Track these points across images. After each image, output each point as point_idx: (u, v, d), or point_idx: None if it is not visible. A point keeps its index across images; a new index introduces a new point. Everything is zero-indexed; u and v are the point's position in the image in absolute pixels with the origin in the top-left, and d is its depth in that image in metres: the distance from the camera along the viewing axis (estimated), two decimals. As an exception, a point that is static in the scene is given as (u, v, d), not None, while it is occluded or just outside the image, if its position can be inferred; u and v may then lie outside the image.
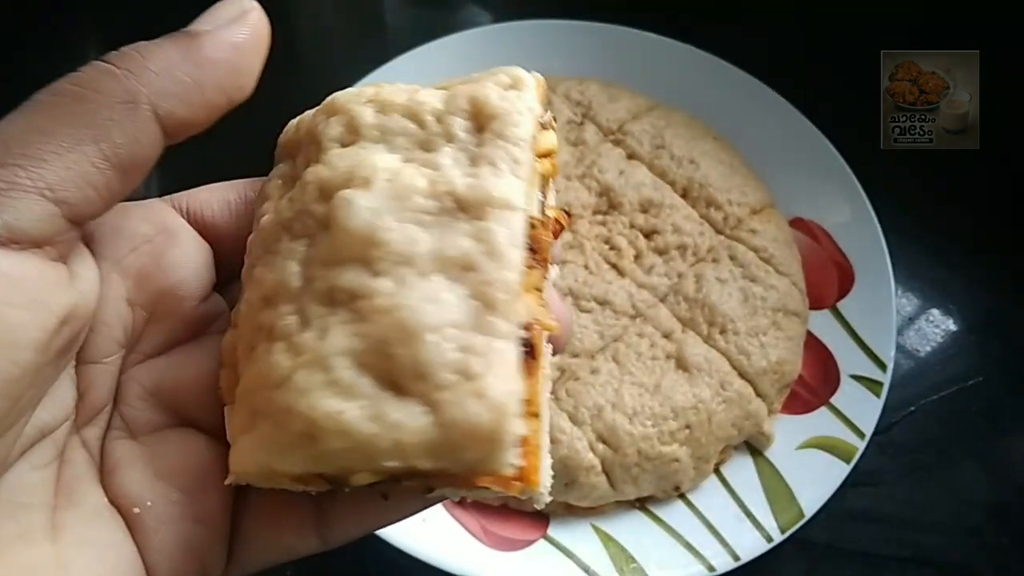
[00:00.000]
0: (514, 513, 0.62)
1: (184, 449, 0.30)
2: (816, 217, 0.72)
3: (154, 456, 0.29)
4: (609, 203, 0.70)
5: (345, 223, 0.26)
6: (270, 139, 0.33)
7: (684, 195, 0.72)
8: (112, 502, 0.28)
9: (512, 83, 0.30)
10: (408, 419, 0.24)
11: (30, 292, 0.24)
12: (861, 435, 0.62)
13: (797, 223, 0.73)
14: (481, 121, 0.29)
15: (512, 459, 0.24)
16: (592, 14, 0.78)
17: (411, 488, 0.27)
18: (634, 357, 0.64)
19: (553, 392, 0.63)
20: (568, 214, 0.30)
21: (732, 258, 0.69)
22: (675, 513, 0.62)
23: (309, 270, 0.27)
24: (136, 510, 0.28)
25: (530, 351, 0.26)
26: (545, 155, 0.30)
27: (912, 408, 0.69)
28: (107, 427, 0.29)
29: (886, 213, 0.69)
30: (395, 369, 0.25)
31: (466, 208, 0.27)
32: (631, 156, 0.73)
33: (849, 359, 0.66)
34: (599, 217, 0.70)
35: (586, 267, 0.68)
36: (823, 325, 0.69)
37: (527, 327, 0.26)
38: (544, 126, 0.30)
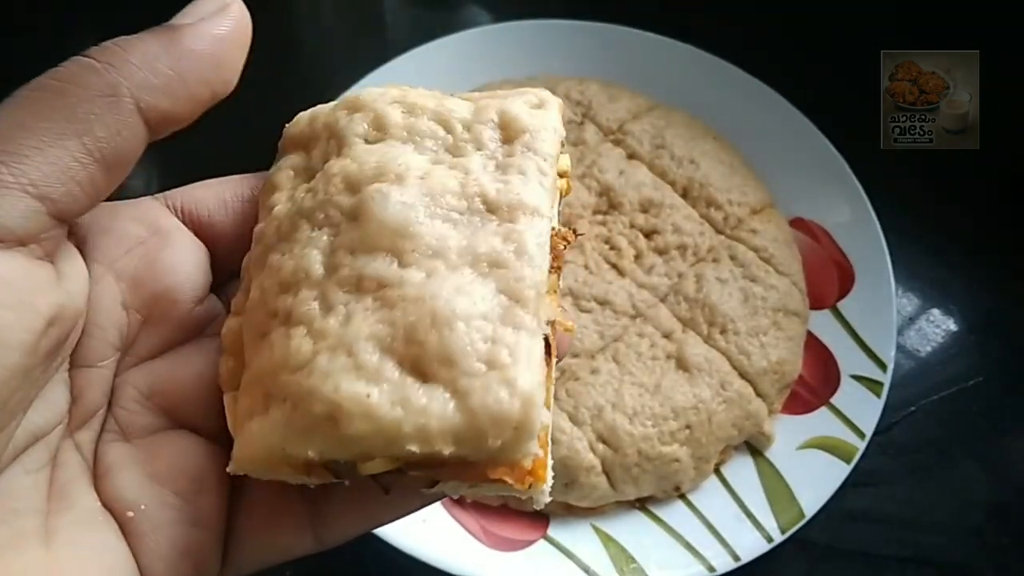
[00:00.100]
0: (514, 513, 0.62)
1: (179, 451, 0.29)
2: (816, 217, 0.72)
3: (148, 459, 0.29)
4: (609, 203, 0.70)
5: (379, 215, 0.27)
6: (272, 138, 0.33)
7: (684, 195, 0.72)
8: (106, 505, 0.28)
9: (539, 103, 0.32)
10: (434, 404, 0.25)
11: (15, 292, 0.24)
12: (861, 435, 0.62)
13: (797, 223, 0.73)
14: (510, 133, 0.30)
15: (534, 449, 0.25)
16: (592, 14, 0.78)
17: (415, 480, 0.27)
18: (634, 357, 0.64)
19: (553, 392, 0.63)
20: (575, 231, 0.32)
21: (732, 258, 0.69)
22: (675, 513, 0.62)
23: (333, 258, 0.27)
24: (130, 513, 0.28)
25: (547, 348, 0.27)
26: (562, 175, 0.31)
27: (912, 408, 0.69)
28: (101, 430, 0.29)
29: (886, 213, 0.69)
30: (422, 355, 0.25)
31: (495, 210, 0.28)
32: (631, 156, 0.73)
33: (849, 359, 0.66)
34: (599, 217, 0.70)
35: (586, 267, 0.68)
36: (823, 325, 0.69)
37: (549, 324, 0.27)
38: (563, 146, 0.32)
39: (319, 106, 0.32)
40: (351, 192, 0.28)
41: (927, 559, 0.64)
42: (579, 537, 0.61)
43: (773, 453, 0.64)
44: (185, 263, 0.30)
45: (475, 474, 0.26)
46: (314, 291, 0.27)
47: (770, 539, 0.59)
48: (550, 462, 0.27)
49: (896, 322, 0.66)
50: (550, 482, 0.27)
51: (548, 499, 0.27)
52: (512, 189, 0.28)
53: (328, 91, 0.32)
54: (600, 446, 0.61)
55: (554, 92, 0.77)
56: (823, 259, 0.71)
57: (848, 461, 0.61)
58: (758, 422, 0.64)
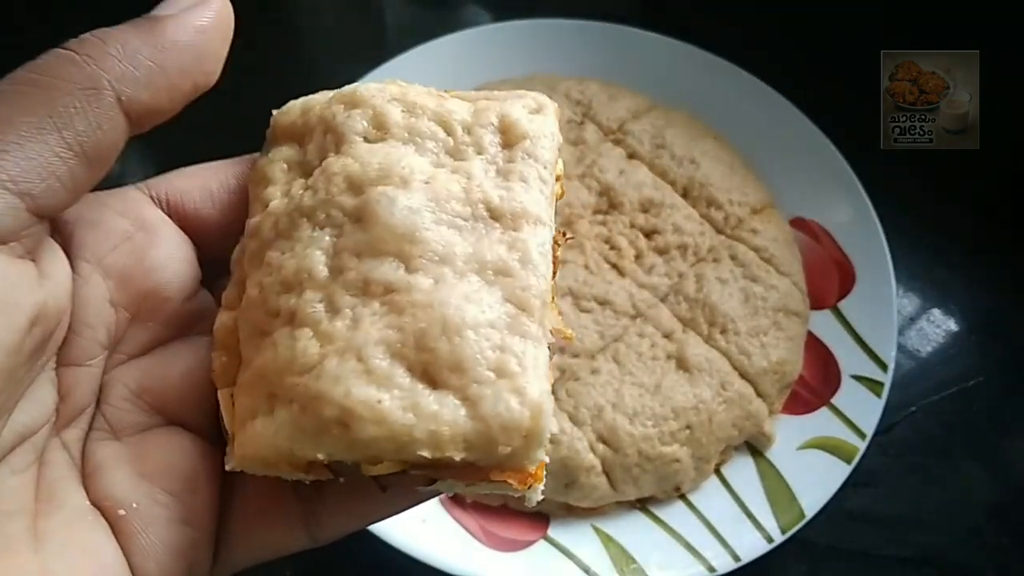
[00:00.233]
0: (514, 514, 0.62)
1: (170, 449, 0.29)
2: (817, 217, 0.72)
3: (139, 457, 0.28)
4: (609, 203, 0.70)
5: (386, 219, 0.27)
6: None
7: (684, 195, 0.71)
8: (96, 504, 0.27)
9: (537, 108, 0.32)
10: (445, 411, 0.25)
11: None
12: (862, 435, 0.62)
13: (798, 223, 0.73)
14: (510, 138, 0.30)
15: (542, 456, 0.26)
16: (592, 14, 0.78)
17: (415, 479, 0.27)
18: (634, 357, 0.64)
19: (552, 392, 0.63)
20: (564, 233, 0.32)
21: (733, 258, 0.69)
22: (675, 513, 0.62)
23: (337, 260, 0.27)
24: (121, 512, 0.27)
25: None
26: (556, 178, 0.32)
27: (913, 408, 0.69)
28: (89, 428, 0.29)
29: (886, 213, 0.69)
30: (432, 362, 0.26)
31: (499, 218, 0.28)
32: (631, 156, 0.73)
33: (850, 359, 0.66)
34: (599, 217, 0.70)
35: (586, 267, 0.68)
36: (824, 325, 0.69)
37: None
38: (559, 152, 0.32)
39: (311, 96, 0.32)
40: (354, 193, 0.28)
41: (927, 559, 0.64)
42: (579, 537, 0.61)
43: (773, 453, 0.64)
44: (173, 259, 0.30)
45: (478, 475, 0.26)
46: (319, 293, 0.27)
47: (770, 539, 0.59)
48: (546, 460, 0.28)
49: (897, 322, 0.66)
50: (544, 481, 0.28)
51: (541, 497, 0.28)
52: (515, 197, 0.29)
53: (328, 90, 0.31)
54: (600, 446, 0.61)
55: (554, 92, 0.78)
56: (824, 259, 0.71)
57: (849, 461, 0.61)
58: (758, 422, 0.64)
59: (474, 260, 0.27)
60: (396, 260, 0.27)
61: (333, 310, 0.27)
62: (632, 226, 0.70)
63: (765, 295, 0.67)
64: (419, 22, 0.87)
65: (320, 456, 0.26)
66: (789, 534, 0.59)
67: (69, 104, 0.25)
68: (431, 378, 0.26)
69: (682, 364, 0.64)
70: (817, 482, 0.61)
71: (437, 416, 0.25)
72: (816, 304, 0.70)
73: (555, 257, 0.30)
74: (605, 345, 0.65)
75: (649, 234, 0.69)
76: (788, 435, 0.65)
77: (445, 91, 0.32)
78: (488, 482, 0.26)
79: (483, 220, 0.28)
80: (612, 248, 0.69)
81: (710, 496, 0.63)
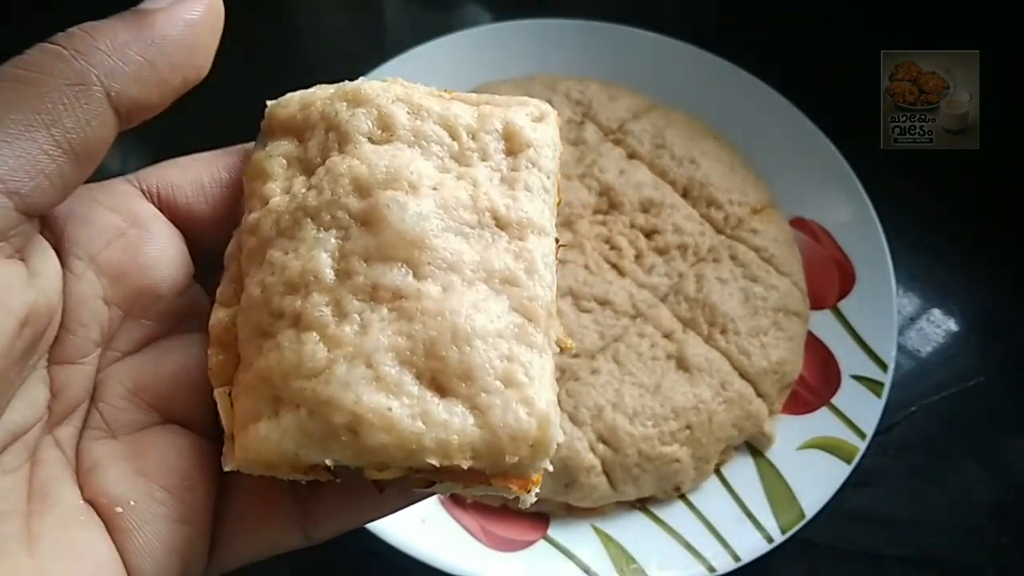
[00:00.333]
0: (514, 514, 0.62)
1: (168, 447, 0.29)
2: (817, 217, 0.72)
3: (137, 454, 0.28)
4: (609, 203, 0.70)
5: (396, 225, 0.27)
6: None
7: (685, 195, 0.71)
8: (92, 501, 0.27)
9: (540, 115, 0.32)
10: (454, 419, 0.25)
11: None
12: (862, 435, 0.62)
13: (798, 223, 0.73)
14: (514, 146, 0.30)
15: (547, 466, 0.26)
16: (592, 14, 0.78)
17: (415, 482, 0.27)
18: (634, 357, 0.64)
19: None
20: (556, 240, 0.32)
21: (733, 258, 0.69)
22: (676, 514, 0.62)
23: (344, 264, 0.27)
24: (119, 509, 0.27)
25: None
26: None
27: (913, 408, 0.69)
28: (83, 425, 0.28)
29: (886, 213, 0.69)
30: (442, 370, 0.26)
31: (505, 227, 0.29)
32: (631, 155, 0.73)
33: (850, 359, 0.66)
34: (599, 217, 0.70)
35: (586, 267, 0.68)
36: (824, 325, 0.69)
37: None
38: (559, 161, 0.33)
39: (310, 90, 0.32)
40: (360, 195, 0.28)
41: (928, 559, 0.64)
42: (579, 537, 0.61)
43: (774, 453, 0.64)
44: (167, 255, 0.29)
45: (479, 480, 0.26)
46: (325, 296, 0.27)
47: (771, 539, 0.59)
48: (550, 469, 0.28)
49: (897, 322, 0.66)
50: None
51: (535, 499, 0.28)
52: (520, 206, 0.29)
53: (326, 84, 0.31)
54: (600, 446, 0.61)
55: (554, 92, 0.78)
56: (824, 259, 0.71)
57: (849, 461, 0.61)
58: (758, 422, 0.64)
59: (482, 268, 0.28)
60: (405, 266, 0.27)
61: (340, 314, 0.27)
62: (632, 226, 0.70)
63: (765, 295, 0.67)
64: (419, 22, 0.87)
65: (328, 462, 0.26)
66: (789, 534, 0.59)
67: (58, 100, 0.24)
68: (440, 386, 0.26)
69: (682, 364, 0.64)
70: (817, 482, 0.61)
71: (446, 425, 0.25)
72: (816, 304, 0.70)
73: (555, 262, 0.30)
74: (605, 345, 0.65)
75: (649, 234, 0.69)
76: (788, 435, 0.65)
77: (445, 91, 0.32)
78: (487, 485, 0.27)
79: (489, 228, 0.29)
80: (612, 248, 0.69)
81: (710, 496, 0.63)
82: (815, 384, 0.67)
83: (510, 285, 0.28)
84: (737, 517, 0.61)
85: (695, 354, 0.64)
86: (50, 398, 0.27)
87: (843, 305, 0.69)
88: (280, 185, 0.30)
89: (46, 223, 0.27)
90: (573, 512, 0.62)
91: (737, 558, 0.59)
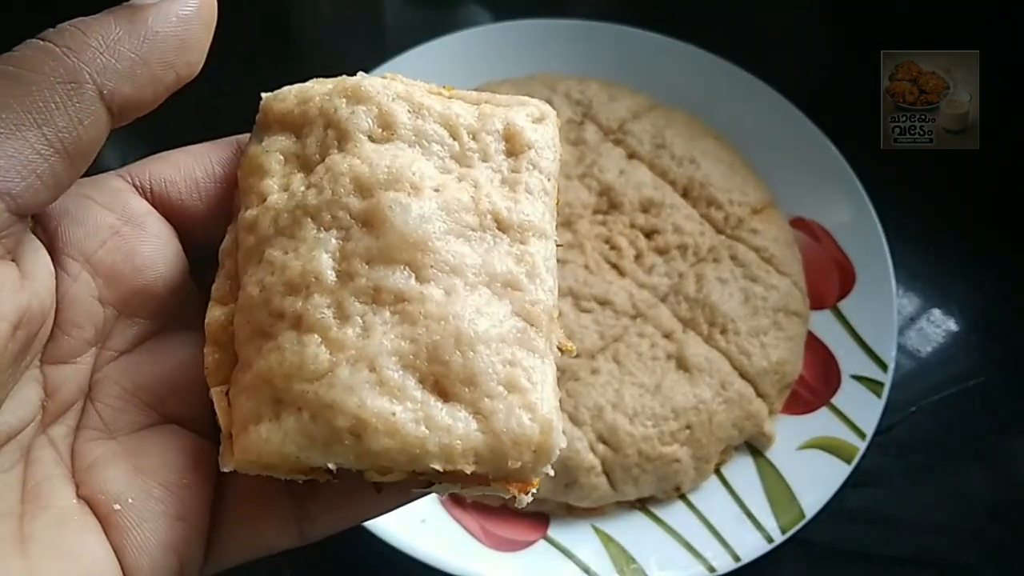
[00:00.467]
0: (514, 514, 0.62)
1: (165, 446, 0.29)
2: (817, 217, 0.72)
3: (135, 452, 0.28)
4: (609, 203, 0.70)
5: (400, 227, 0.27)
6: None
7: (685, 195, 0.71)
8: (89, 499, 0.27)
9: (540, 116, 0.32)
10: (458, 424, 0.25)
11: None
12: (862, 435, 0.62)
13: (798, 223, 0.73)
14: (514, 147, 0.30)
15: (549, 470, 0.26)
16: (592, 14, 0.78)
17: (414, 483, 0.27)
18: (635, 357, 0.64)
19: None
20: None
21: (733, 258, 0.69)
22: (675, 514, 0.62)
23: (346, 265, 0.27)
24: (116, 506, 0.27)
25: None
26: None
27: (913, 408, 0.69)
28: (79, 425, 0.28)
29: (886, 213, 0.69)
30: (445, 375, 0.26)
31: (506, 229, 0.29)
32: (631, 155, 0.73)
33: (850, 359, 0.66)
34: (599, 217, 0.70)
35: (586, 267, 0.67)
36: (824, 325, 0.69)
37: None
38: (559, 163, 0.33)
39: (307, 84, 0.31)
40: (362, 195, 0.28)
41: (928, 559, 0.64)
42: (579, 537, 0.61)
43: (773, 453, 0.64)
44: (162, 254, 0.29)
45: (479, 482, 0.26)
46: (327, 298, 0.27)
47: (770, 539, 0.59)
48: (551, 473, 0.28)
49: (897, 322, 0.66)
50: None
51: (531, 499, 0.28)
52: (522, 209, 0.29)
53: (323, 78, 0.31)
54: (600, 446, 0.61)
55: (554, 92, 0.78)
56: (824, 259, 0.71)
57: (849, 461, 0.61)
58: (758, 422, 0.64)
59: (484, 272, 0.27)
60: (407, 269, 0.27)
61: (343, 316, 0.27)
62: (632, 226, 0.70)
63: (765, 295, 0.67)
64: (419, 22, 0.87)
65: (331, 465, 0.26)
66: (789, 534, 0.59)
67: (49, 99, 0.24)
68: (443, 390, 0.26)
69: (682, 364, 0.64)
70: (817, 482, 0.61)
71: (450, 429, 0.25)
72: (816, 304, 0.70)
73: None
74: (605, 345, 0.65)
75: (649, 234, 0.69)
76: (788, 435, 0.65)
77: (444, 87, 0.32)
78: (486, 487, 0.27)
79: (491, 231, 0.28)
80: (612, 248, 0.69)
81: (710, 496, 0.63)
82: (815, 384, 0.67)
83: (512, 289, 0.28)
84: (737, 517, 0.61)
85: (695, 354, 0.64)
86: (44, 398, 0.27)
87: (843, 305, 0.69)
88: (278, 182, 0.29)
89: (39, 222, 0.27)
90: (573, 512, 0.62)
91: (737, 558, 0.59)
